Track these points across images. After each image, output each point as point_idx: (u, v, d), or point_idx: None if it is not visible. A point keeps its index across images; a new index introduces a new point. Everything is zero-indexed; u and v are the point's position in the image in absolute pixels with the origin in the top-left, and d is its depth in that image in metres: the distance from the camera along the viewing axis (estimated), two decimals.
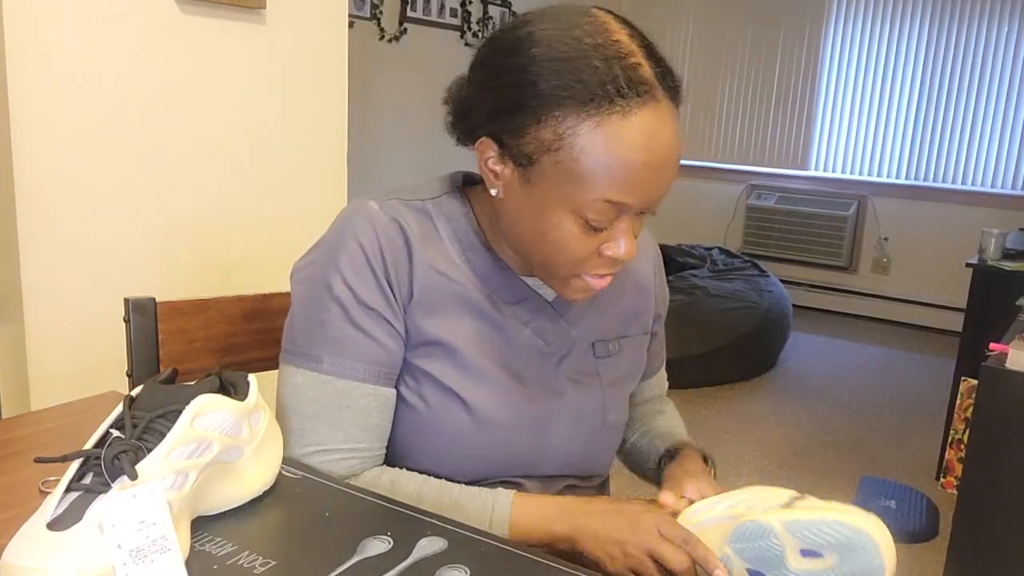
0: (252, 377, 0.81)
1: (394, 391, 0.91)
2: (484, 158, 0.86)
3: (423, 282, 0.89)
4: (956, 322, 3.44)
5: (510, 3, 4.97)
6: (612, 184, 0.79)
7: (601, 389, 0.99)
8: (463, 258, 0.92)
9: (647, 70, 0.79)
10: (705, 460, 1.04)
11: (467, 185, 0.99)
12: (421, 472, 0.92)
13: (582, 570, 0.71)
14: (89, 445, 0.67)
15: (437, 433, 0.91)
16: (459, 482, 0.92)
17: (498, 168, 0.86)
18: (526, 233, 0.86)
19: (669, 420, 1.16)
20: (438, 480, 0.90)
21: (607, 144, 0.78)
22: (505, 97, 0.82)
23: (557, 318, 0.96)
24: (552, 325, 0.96)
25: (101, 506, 0.62)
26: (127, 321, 1.06)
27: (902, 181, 5.08)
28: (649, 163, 0.79)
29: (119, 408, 0.70)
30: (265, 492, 0.80)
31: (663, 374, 1.20)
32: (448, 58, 4.65)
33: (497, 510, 0.87)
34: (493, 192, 0.87)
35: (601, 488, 1.07)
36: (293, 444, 0.90)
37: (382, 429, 0.91)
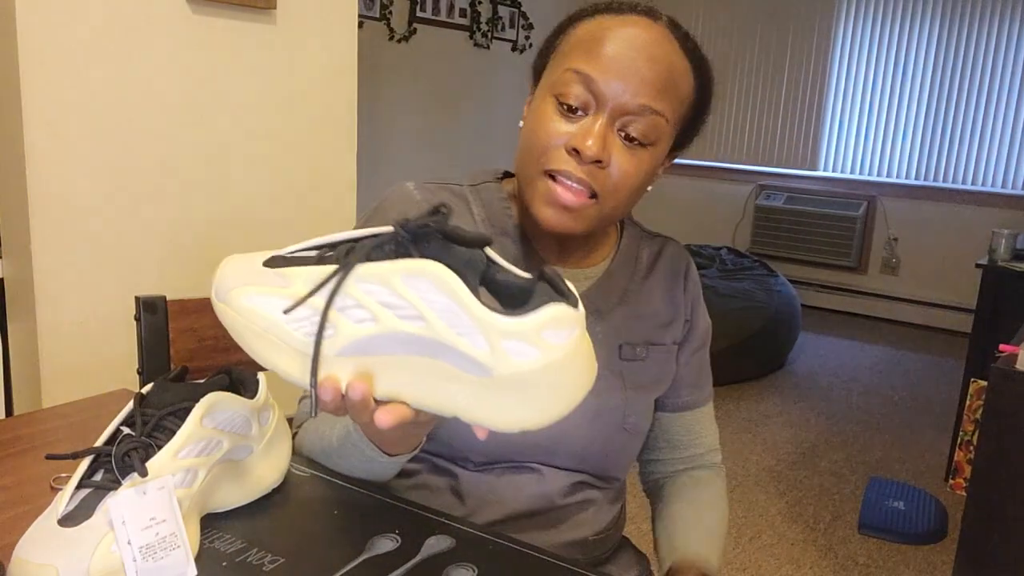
0: (261, 375, 0.81)
1: None
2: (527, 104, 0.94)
3: None
4: (965, 323, 3.43)
5: (520, 3, 4.97)
6: (580, 53, 0.85)
7: (623, 391, 0.97)
8: (495, 243, 0.93)
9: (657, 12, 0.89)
10: None
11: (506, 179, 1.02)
12: (433, 453, 0.93)
13: (588, 570, 0.72)
14: (100, 442, 0.68)
15: None
16: (470, 463, 0.92)
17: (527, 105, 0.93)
18: (523, 142, 0.90)
19: (693, 517, 1.02)
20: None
21: (591, 26, 0.87)
22: (542, 51, 0.93)
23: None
24: None
25: (111, 503, 0.62)
26: (138, 319, 1.06)
27: (911, 181, 5.06)
28: (620, 40, 0.84)
29: (129, 405, 0.70)
30: (274, 490, 0.81)
31: (712, 429, 1.09)
32: (457, 58, 4.65)
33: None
34: (520, 124, 0.92)
35: (619, 493, 1.05)
36: None
37: None
